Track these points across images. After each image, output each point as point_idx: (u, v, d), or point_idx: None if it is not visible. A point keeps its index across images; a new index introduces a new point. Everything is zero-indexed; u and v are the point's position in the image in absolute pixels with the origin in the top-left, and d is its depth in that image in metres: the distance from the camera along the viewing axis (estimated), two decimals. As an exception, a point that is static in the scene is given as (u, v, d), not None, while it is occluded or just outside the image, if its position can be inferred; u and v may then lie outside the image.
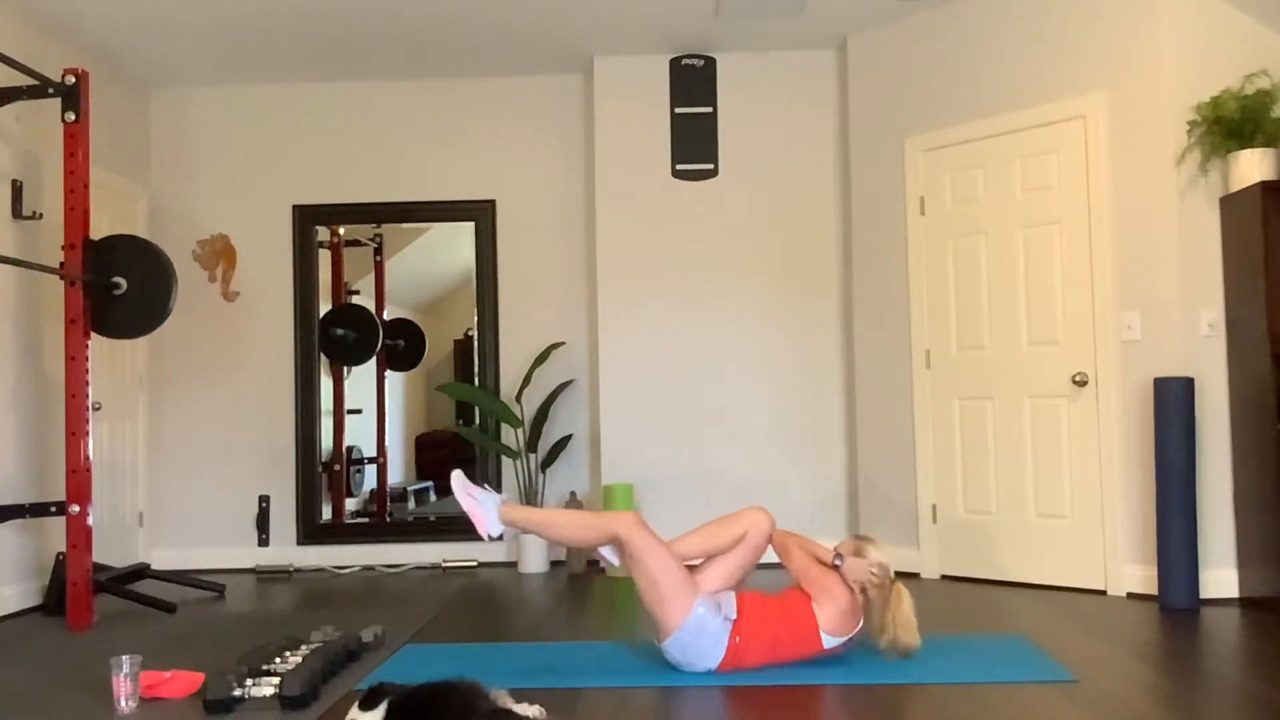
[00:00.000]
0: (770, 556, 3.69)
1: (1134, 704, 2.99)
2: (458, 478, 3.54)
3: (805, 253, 6.06)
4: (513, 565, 6.15)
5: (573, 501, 6.03)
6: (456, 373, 6.46)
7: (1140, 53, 4.74)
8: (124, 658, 3.13)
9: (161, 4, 5.21)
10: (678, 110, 6.08)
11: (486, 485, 3.73)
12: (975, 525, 5.22)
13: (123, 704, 3.10)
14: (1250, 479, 4.41)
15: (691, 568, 3.49)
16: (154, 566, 6.01)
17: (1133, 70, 4.76)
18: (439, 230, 6.50)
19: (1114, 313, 4.78)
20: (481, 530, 3.48)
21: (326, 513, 6.38)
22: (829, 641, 3.43)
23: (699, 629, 3.35)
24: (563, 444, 6.13)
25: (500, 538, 3.63)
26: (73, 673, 3.66)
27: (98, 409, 5.66)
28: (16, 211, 5.03)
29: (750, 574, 3.60)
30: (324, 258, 6.49)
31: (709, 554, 3.56)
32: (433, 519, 6.35)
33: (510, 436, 6.24)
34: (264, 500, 6.30)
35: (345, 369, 6.48)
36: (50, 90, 4.72)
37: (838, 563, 3.46)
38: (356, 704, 2.77)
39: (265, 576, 6.01)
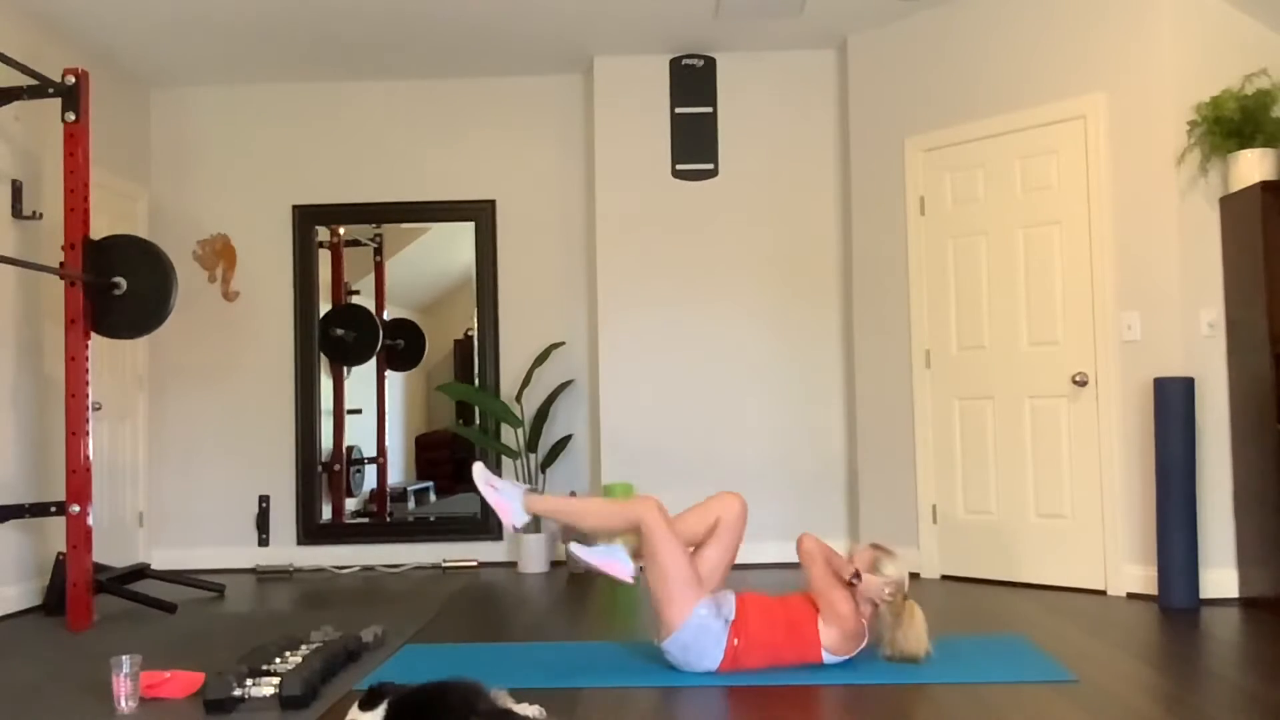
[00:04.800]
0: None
1: (1134, 704, 2.99)
2: (479, 470, 3.55)
3: (805, 253, 6.06)
4: (513, 565, 6.15)
5: (573, 501, 6.03)
6: (456, 373, 6.46)
7: (1140, 53, 4.74)
8: (124, 658, 3.13)
9: (161, 4, 5.21)
10: (678, 110, 6.08)
11: (513, 478, 3.72)
12: (975, 525, 5.22)
13: (123, 704, 3.10)
14: (1250, 479, 4.41)
15: None
16: (154, 566, 6.01)
17: (1133, 70, 4.76)
18: (439, 230, 6.50)
19: (1114, 313, 4.78)
20: (507, 522, 3.53)
21: (326, 513, 6.38)
22: (830, 659, 3.42)
23: (700, 629, 3.34)
24: (563, 444, 6.13)
25: (526, 527, 3.60)
26: (73, 673, 3.66)
27: (98, 409, 5.66)
28: (16, 211, 5.03)
29: (733, 559, 3.60)
30: (324, 258, 6.49)
31: (686, 541, 3.56)
32: (433, 519, 6.35)
33: (510, 436, 6.24)
34: (264, 500, 6.30)
35: (345, 369, 6.48)
36: (50, 90, 4.71)
37: (855, 582, 3.45)
38: (356, 704, 2.77)
39: (265, 576, 6.01)
